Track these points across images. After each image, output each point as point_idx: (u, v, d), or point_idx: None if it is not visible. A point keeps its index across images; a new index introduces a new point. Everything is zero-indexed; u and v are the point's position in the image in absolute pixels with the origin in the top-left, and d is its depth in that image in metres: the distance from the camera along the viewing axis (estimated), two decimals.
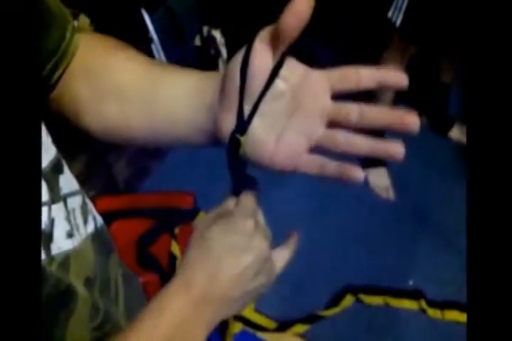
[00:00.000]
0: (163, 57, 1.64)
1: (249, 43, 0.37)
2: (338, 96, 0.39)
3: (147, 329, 0.38)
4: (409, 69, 1.57)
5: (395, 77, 0.37)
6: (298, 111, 0.38)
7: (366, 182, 1.79)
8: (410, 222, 1.68)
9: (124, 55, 0.47)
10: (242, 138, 0.39)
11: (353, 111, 0.38)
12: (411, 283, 1.52)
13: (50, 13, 0.43)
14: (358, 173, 0.38)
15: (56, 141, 0.42)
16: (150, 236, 1.25)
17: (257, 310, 1.42)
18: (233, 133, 0.39)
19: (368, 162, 1.78)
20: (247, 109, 0.38)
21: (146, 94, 0.44)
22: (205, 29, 1.85)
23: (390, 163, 1.76)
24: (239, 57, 0.37)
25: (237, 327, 1.41)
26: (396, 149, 0.37)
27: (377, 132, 0.39)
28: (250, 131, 0.38)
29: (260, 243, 0.42)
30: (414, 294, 1.48)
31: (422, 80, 1.87)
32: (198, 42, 1.88)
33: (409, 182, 1.78)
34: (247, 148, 0.39)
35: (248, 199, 0.44)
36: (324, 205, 1.71)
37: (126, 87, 0.45)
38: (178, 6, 1.64)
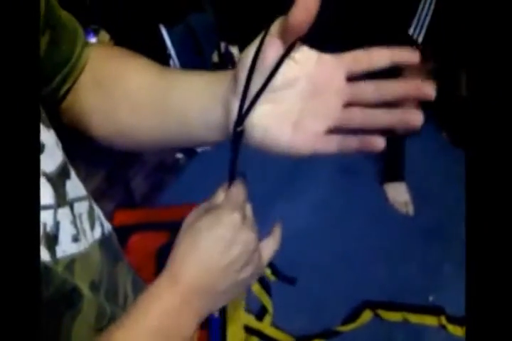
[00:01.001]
0: None
1: (263, 34, 0.37)
2: None
3: (136, 322, 0.39)
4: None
5: (406, 53, 0.38)
6: (314, 94, 0.39)
7: (385, 197, 1.78)
8: (430, 236, 1.65)
9: (136, 62, 0.48)
10: (244, 127, 0.39)
11: (369, 87, 0.38)
12: (431, 299, 1.50)
13: (60, 27, 0.43)
14: (378, 141, 0.38)
15: (76, 156, 0.42)
16: (168, 249, 1.26)
17: (275, 325, 1.42)
18: (236, 123, 0.39)
19: (387, 176, 1.77)
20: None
21: (158, 96, 0.45)
22: (223, 45, 1.88)
23: (410, 176, 1.75)
24: (251, 49, 0.38)
25: None
26: (414, 116, 0.37)
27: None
28: (260, 121, 0.39)
29: (247, 235, 0.42)
30: (434, 310, 1.46)
31: (441, 94, 1.86)
32: (215, 58, 1.91)
33: (429, 197, 1.76)
34: (257, 137, 0.40)
35: (237, 192, 0.44)
36: (343, 220, 1.70)
37: (139, 91, 0.45)
38: (196, 22, 1.67)
